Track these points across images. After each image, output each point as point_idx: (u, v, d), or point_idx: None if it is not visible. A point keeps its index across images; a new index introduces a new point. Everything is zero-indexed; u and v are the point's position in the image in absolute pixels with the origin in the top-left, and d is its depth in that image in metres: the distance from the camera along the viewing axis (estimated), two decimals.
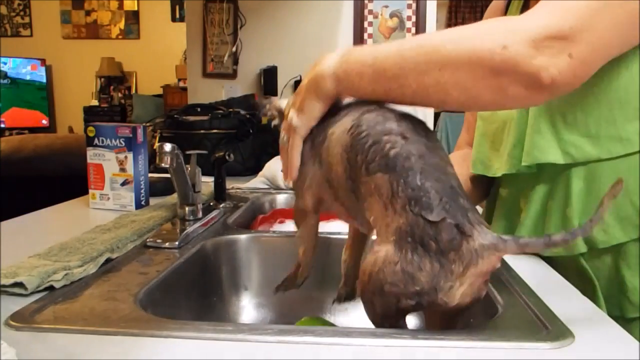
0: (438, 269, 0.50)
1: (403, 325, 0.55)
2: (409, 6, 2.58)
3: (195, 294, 0.83)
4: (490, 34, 0.54)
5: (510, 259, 0.78)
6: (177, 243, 0.84)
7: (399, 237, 0.51)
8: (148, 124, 1.79)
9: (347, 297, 0.74)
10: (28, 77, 5.53)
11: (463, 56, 0.54)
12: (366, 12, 2.59)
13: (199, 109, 1.86)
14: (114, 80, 5.92)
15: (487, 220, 0.89)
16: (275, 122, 0.76)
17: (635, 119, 0.67)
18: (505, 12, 0.91)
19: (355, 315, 0.84)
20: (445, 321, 0.57)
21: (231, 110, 1.82)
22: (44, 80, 5.68)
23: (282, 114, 0.72)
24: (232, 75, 2.66)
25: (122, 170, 1.08)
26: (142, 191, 1.11)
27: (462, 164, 0.89)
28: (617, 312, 0.69)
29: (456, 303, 0.51)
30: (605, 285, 0.73)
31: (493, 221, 0.87)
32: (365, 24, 2.58)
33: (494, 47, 0.53)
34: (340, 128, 0.60)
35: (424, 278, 0.50)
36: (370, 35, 2.58)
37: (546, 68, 0.52)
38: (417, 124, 0.58)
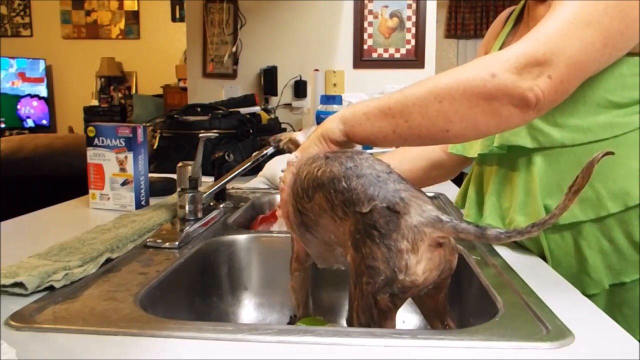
0: (387, 252, 0.53)
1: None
2: (409, 6, 2.58)
3: (195, 294, 0.83)
4: (480, 66, 0.63)
5: (510, 259, 0.78)
6: (177, 243, 0.84)
7: (352, 239, 0.56)
8: (148, 124, 1.80)
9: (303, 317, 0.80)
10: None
11: (458, 87, 0.63)
12: (366, 12, 2.58)
13: (199, 109, 1.86)
14: (114, 80, 5.91)
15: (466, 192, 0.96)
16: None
17: (596, 113, 0.75)
18: (505, 22, 0.97)
19: None
20: (434, 304, 0.61)
21: (231, 110, 1.82)
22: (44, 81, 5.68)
23: (297, 147, 0.77)
24: (232, 75, 2.66)
25: (122, 170, 1.08)
26: (142, 191, 1.11)
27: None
28: (579, 288, 0.71)
29: (424, 279, 0.53)
30: (568, 262, 0.79)
31: (468, 192, 0.94)
32: (365, 24, 2.58)
33: (485, 76, 0.62)
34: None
35: (382, 265, 0.53)
36: (370, 35, 2.58)
37: (531, 89, 0.62)
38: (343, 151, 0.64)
